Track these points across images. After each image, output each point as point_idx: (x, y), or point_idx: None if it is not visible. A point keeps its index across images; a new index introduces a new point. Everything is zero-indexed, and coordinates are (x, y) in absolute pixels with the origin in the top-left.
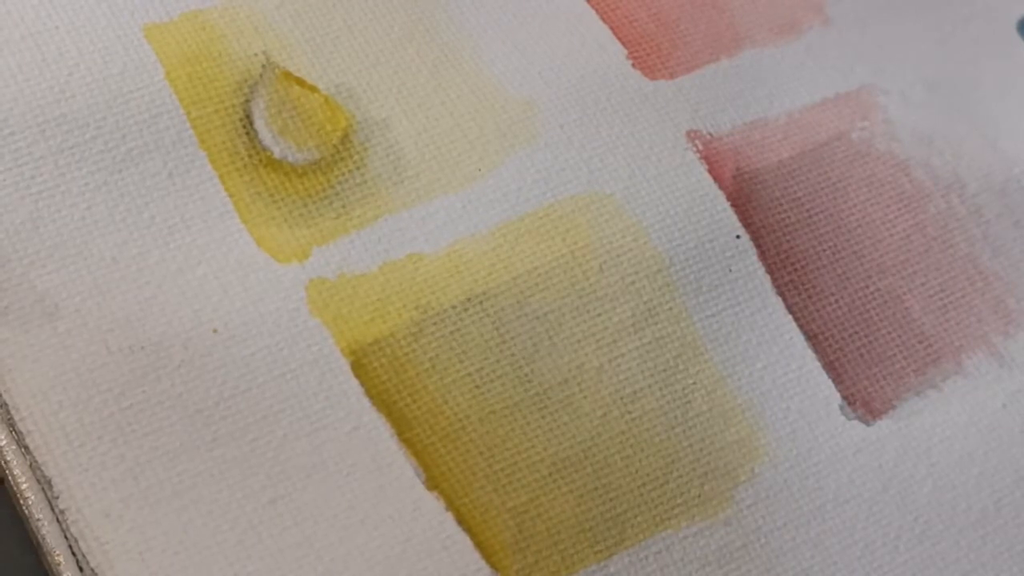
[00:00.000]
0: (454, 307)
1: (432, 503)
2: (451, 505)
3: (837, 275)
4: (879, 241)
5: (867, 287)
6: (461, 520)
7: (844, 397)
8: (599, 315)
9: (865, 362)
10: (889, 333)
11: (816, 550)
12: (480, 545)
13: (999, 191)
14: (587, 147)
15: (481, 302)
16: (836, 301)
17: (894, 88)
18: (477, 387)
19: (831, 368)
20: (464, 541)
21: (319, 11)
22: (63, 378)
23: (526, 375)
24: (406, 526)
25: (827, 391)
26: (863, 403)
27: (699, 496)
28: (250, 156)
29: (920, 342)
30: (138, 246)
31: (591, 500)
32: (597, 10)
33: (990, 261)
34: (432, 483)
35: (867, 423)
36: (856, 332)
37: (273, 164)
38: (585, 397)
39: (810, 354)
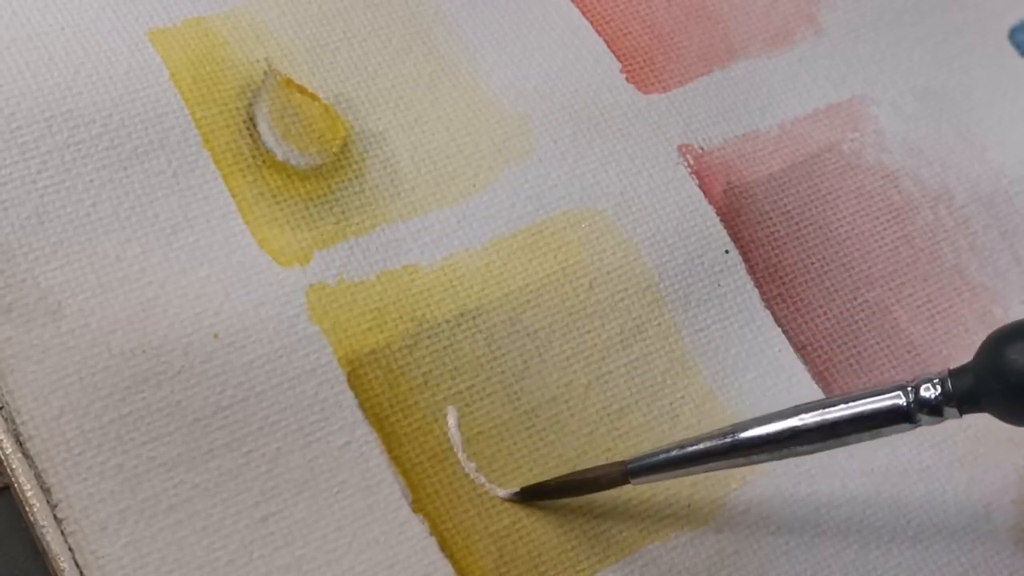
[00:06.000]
0: (448, 321)
1: (417, 526)
2: (435, 529)
3: (825, 287)
4: (867, 253)
5: (855, 298)
6: (444, 545)
7: None
8: (588, 332)
9: (854, 371)
10: (877, 343)
11: (810, 553)
12: (462, 572)
13: (987, 202)
14: (580, 163)
15: (474, 317)
16: (824, 313)
17: (885, 98)
18: (467, 405)
19: (820, 378)
20: (446, 568)
21: (319, 21)
22: (65, 381)
23: (515, 393)
24: (391, 550)
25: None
26: None
27: (688, 506)
28: (253, 157)
29: (908, 351)
30: (141, 245)
31: (574, 519)
32: (592, 23)
33: (977, 272)
34: (418, 505)
35: None
36: (845, 343)
37: (276, 166)
38: (572, 415)
39: (799, 365)
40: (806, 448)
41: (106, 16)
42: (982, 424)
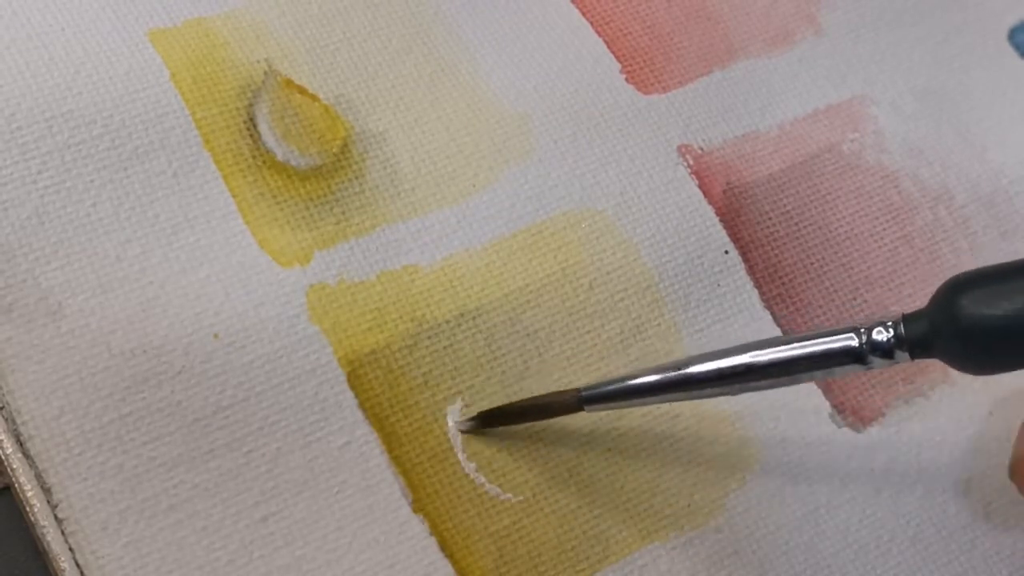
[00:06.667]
0: (448, 321)
1: (417, 526)
2: (435, 529)
3: (825, 288)
4: (867, 253)
5: (855, 299)
6: (444, 545)
7: (834, 405)
8: (588, 332)
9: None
10: None
11: (809, 554)
12: (461, 572)
13: (987, 202)
14: (580, 163)
15: (474, 317)
16: (824, 313)
17: (885, 98)
18: (467, 406)
19: None
20: (446, 568)
21: (319, 22)
22: (65, 381)
23: (515, 393)
24: (391, 550)
25: (817, 400)
26: (853, 411)
27: (688, 506)
28: (254, 158)
29: None
30: (142, 245)
31: (574, 519)
32: (592, 24)
33: None
34: (418, 505)
35: (857, 430)
36: None
37: (276, 166)
38: (572, 415)
39: None
40: (757, 384)
41: (106, 16)
42: (982, 424)
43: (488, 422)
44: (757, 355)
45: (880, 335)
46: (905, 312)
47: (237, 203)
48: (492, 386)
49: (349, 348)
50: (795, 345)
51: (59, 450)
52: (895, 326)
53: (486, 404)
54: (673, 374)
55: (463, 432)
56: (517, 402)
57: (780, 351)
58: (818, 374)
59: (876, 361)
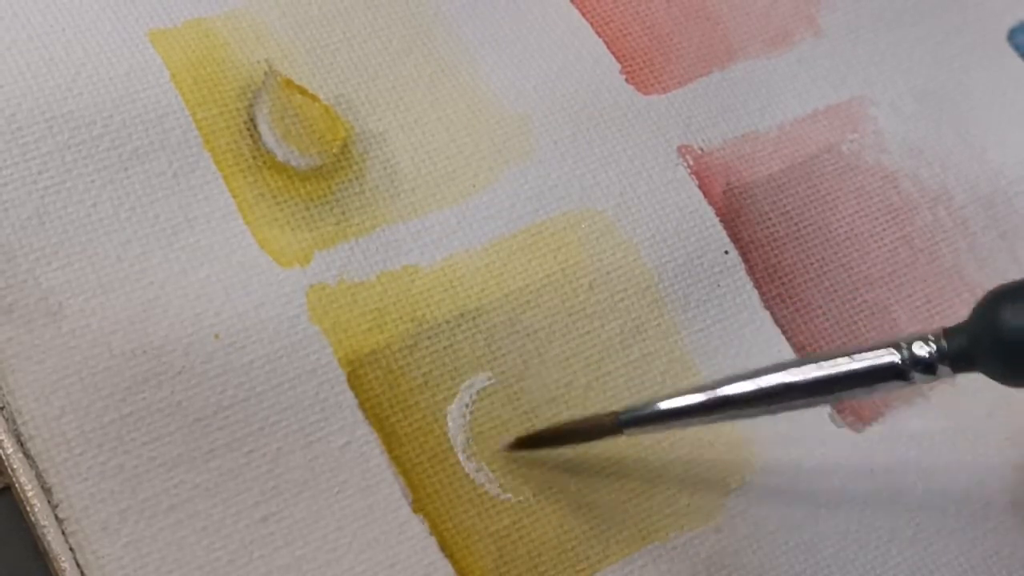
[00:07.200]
0: (448, 322)
1: (417, 526)
2: (435, 529)
3: (824, 288)
4: (866, 254)
5: (854, 299)
6: (444, 545)
7: (833, 405)
8: (588, 333)
9: None
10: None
11: (809, 554)
12: (461, 572)
13: (986, 202)
14: (580, 163)
15: (474, 318)
16: (824, 314)
17: (884, 99)
18: (466, 406)
19: None
20: (446, 568)
21: (320, 22)
22: (66, 381)
23: (515, 393)
24: (391, 550)
25: None
26: (852, 411)
27: (688, 506)
28: (254, 158)
29: None
30: (142, 245)
31: (574, 519)
32: (592, 24)
33: (976, 272)
34: (418, 505)
35: (857, 430)
36: (844, 343)
37: (276, 167)
38: (572, 415)
39: None
40: (798, 403)
41: (106, 17)
42: (981, 425)
43: (526, 446)
44: (797, 373)
45: (921, 350)
46: (946, 326)
47: (237, 203)
48: (492, 386)
49: (349, 348)
50: (836, 362)
51: (60, 450)
52: (936, 340)
53: (487, 404)
54: (713, 395)
55: (503, 451)
56: (554, 426)
57: (821, 369)
58: (859, 392)
59: (918, 376)
